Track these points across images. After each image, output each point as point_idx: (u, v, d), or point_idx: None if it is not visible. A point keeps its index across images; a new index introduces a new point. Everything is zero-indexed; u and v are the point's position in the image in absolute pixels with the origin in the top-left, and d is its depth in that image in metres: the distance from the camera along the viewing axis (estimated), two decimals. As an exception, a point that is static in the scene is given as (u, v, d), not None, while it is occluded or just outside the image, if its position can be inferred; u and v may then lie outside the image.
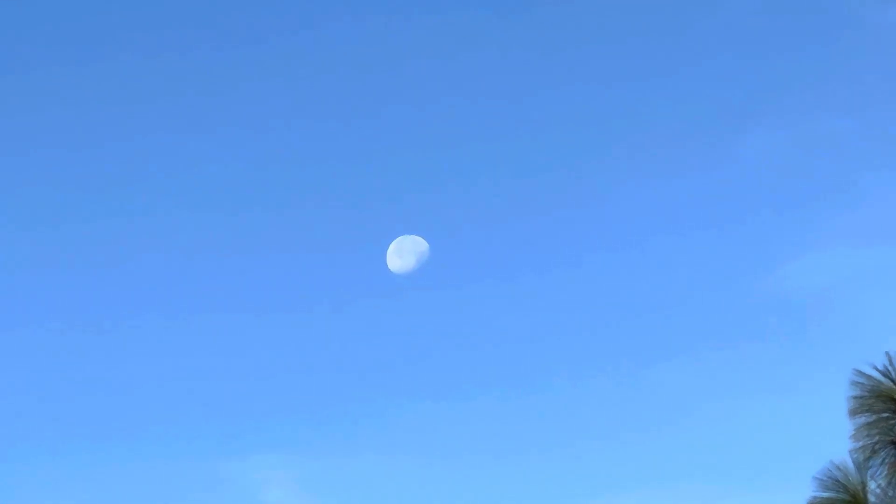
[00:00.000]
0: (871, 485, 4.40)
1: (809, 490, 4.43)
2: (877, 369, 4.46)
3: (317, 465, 15.77)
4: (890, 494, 4.37)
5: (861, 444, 4.44)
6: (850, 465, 4.41)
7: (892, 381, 4.46)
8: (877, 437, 4.45)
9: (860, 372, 4.47)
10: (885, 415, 4.47)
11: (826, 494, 4.40)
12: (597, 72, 16.72)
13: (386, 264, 14.22)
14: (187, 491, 15.95)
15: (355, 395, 15.67)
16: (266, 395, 15.98)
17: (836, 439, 4.47)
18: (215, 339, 16.30)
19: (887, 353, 4.47)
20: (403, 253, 14.04)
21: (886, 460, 4.41)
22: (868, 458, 4.42)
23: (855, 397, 4.48)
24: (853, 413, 4.46)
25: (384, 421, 15.59)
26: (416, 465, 15.13)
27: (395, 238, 14.01)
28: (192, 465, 16.36)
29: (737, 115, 16.13)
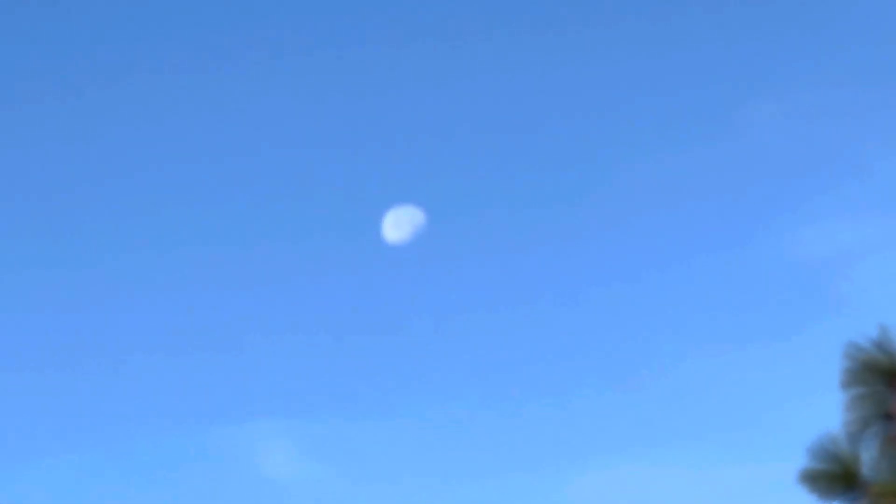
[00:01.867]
0: (864, 457, 4.43)
1: (802, 461, 4.46)
2: (870, 342, 4.48)
3: (317, 430, 16.15)
4: (882, 466, 4.40)
5: (853, 416, 4.46)
6: (843, 437, 4.45)
7: (886, 354, 4.49)
8: (869, 410, 4.47)
9: (854, 344, 4.49)
10: (878, 388, 4.49)
11: (819, 466, 4.43)
12: (596, 49, 17.12)
13: (382, 234, 14.69)
14: (180, 459, 16.47)
15: (355, 359, 16.19)
16: (262, 361, 16.34)
17: (830, 411, 4.51)
18: (209, 304, 16.79)
19: (881, 326, 4.49)
20: (400, 224, 14.58)
21: (879, 433, 4.44)
22: (860, 431, 4.45)
23: (848, 370, 4.50)
24: (846, 385, 4.48)
25: (385, 386, 16.13)
26: (419, 429, 15.75)
27: (392, 208, 14.55)
28: (185, 432, 16.87)
29: (737, 88, 16.55)
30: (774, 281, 16.62)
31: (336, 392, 16.61)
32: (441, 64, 17.51)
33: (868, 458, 4.42)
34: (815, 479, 4.43)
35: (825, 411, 4.52)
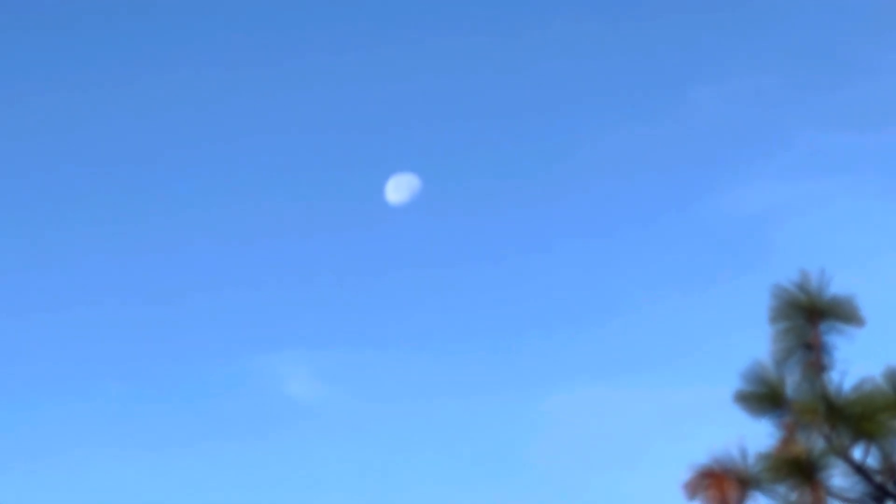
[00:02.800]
0: (788, 380, 5.20)
1: (737, 384, 5.21)
2: (793, 284, 5.27)
3: (336, 359, 18.46)
4: (803, 387, 5.17)
5: (779, 346, 5.24)
6: (771, 364, 5.21)
7: (806, 294, 5.28)
8: (792, 341, 5.25)
9: (779, 286, 5.28)
10: (799, 322, 5.28)
11: (750, 388, 5.19)
12: (566, 44, 19.37)
13: (385, 197, 16.94)
14: (212, 386, 18.69)
15: (364, 299, 18.30)
16: (287, 299, 18.82)
17: (760, 342, 5.28)
18: (244, 253, 18.82)
19: (802, 271, 5.28)
20: (400, 188, 16.73)
21: (800, 360, 5.22)
22: (785, 359, 5.23)
23: (774, 308, 5.28)
24: (772, 321, 5.26)
25: (388, 322, 18.23)
26: (416, 357, 18.11)
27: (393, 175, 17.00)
28: (217, 361, 19.19)
29: (681, 74, 19.39)
30: (715, 234, 18.97)
31: (347, 327, 19.00)
32: (435, 56, 20.11)
33: (791, 381, 5.19)
34: (748, 399, 5.19)
35: (756, 343, 5.29)
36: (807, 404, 5.13)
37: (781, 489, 5.12)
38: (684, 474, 5.14)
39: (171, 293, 19.77)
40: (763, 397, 5.17)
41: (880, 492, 5.12)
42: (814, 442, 5.11)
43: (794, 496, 5.10)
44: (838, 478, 5.11)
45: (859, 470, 5.12)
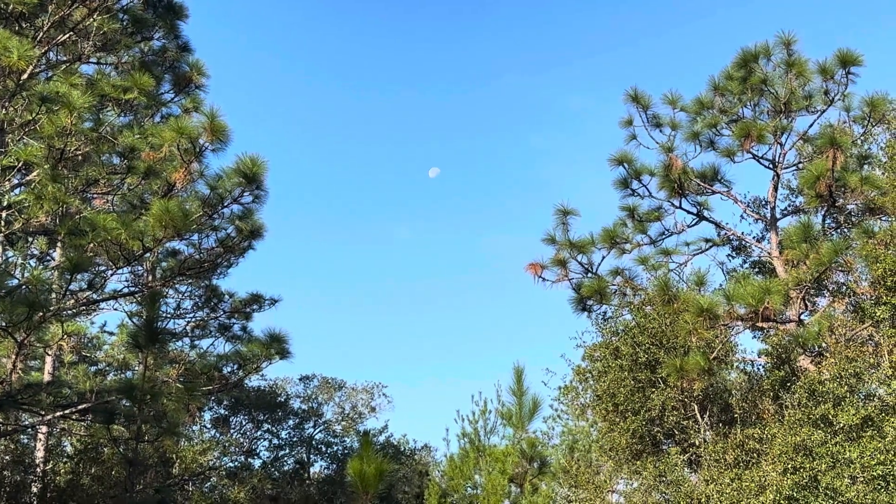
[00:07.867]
0: (558, 235, 16.02)
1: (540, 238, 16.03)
2: (560, 206, 16.11)
3: (412, 224, 48.37)
4: (562, 238, 16.04)
5: (558, 229, 16.07)
6: (555, 232, 16.02)
7: (562, 207, 16.10)
8: (560, 223, 16.08)
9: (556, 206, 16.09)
10: (561, 217, 16.10)
11: (547, 240, 16.00)
12: None
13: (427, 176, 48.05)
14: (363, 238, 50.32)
15: (419, 201, 50.99)
16: (393, 200, 52.42)
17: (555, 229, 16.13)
18: None
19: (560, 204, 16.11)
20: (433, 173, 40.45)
21: (563, 233, 16.04)
22: (560, 226, 16.03)
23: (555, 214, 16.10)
24: (556, 216, 16.07)
25: (440, 203, 49.81)
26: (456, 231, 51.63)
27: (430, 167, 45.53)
28: (369, 224, 48.26)
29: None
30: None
31: (412, 212, 51.74)
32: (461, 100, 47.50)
33: (559, 235, 16.01)
34: (547, 243, 16.00)
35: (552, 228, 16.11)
36: (565, 242, 15.96)
37: (548, 272, 15.98)
38: (525, 265, 15.90)
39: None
40: (550, 239, 15.99)
41: (586, 268, 16.04)
42: (564, 254, 15.98)
43: (560, 273, 15.95)
44: (574, 264, 15.98)
45: (583, 268, 16.02)
